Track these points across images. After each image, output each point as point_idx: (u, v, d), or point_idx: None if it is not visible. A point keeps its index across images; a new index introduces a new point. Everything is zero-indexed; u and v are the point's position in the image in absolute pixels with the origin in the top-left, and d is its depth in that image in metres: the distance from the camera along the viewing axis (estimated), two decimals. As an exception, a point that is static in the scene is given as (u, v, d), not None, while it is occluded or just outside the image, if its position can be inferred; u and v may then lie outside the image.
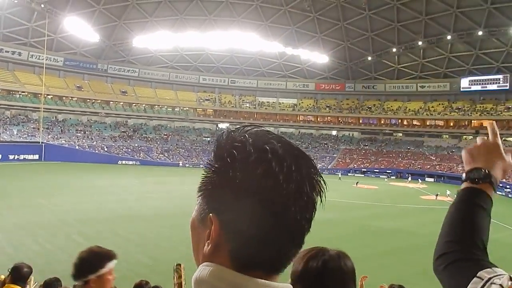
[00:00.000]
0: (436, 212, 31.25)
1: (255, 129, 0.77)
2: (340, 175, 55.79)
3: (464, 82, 67.03)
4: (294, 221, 0.70)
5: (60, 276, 4.58)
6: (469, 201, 1.08)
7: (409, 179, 55.59)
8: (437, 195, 39.25)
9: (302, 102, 78.46)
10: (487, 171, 1.09)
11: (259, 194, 0.68)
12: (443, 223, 1.09)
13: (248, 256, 0.70)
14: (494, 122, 1.20)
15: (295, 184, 0.70)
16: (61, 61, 66.84)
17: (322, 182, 0.75)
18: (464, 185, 1.12)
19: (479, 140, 1.17)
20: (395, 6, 62.05)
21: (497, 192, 1.11)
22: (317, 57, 71.15)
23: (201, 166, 50.62)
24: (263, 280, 0.70)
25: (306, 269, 1.36)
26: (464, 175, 1.13)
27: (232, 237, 0.70)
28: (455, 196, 1.13)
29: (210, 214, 0.71)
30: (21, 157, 52.68)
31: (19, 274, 3.65)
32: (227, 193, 0.70)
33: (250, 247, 0.69)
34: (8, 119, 59.21)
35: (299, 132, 77.37)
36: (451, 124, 68.26)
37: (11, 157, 51.31)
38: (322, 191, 0.74)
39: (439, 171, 59.27)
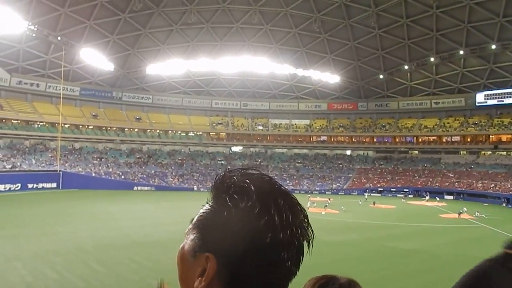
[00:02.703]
0: (456, 231, 30.41)
1: (252, 171, 0.80)
2: (366, 195, 55.09)
3: (480, 97, 66.27)
4: (285, 267, 0.75)
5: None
6: (501, 263, 0.96)
7: (427, 197, 54.50)
8: (460, 213, 38.33)
9: (315, 123, 78.41)
10: None
11: (258, 242, 0.72)
12: (467, 273, 0.98)
13: None
14: None
15: (289, 233, 0.76)
16: (77, 90, 68.57)
17: (311, 230, 0.80)
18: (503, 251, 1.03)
19: None
20: (404, 24, 62.23)
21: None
22: (329, 77, 71.34)
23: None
24: None
25: None
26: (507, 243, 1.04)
27: (226, 278, 0.73)
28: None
29: (208, 254, 0.74)
30: (40, 185, 53.41)
31: None
32: (227, 237, 0.73)
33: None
34: (27, 148, 60.49)
35: (313, 153, 77.05)
36: (468, 139, 67.17)
37: (30, 186, 52.05)
38: (311, 239, 0.80)
39: (458, 189, 57.98)
